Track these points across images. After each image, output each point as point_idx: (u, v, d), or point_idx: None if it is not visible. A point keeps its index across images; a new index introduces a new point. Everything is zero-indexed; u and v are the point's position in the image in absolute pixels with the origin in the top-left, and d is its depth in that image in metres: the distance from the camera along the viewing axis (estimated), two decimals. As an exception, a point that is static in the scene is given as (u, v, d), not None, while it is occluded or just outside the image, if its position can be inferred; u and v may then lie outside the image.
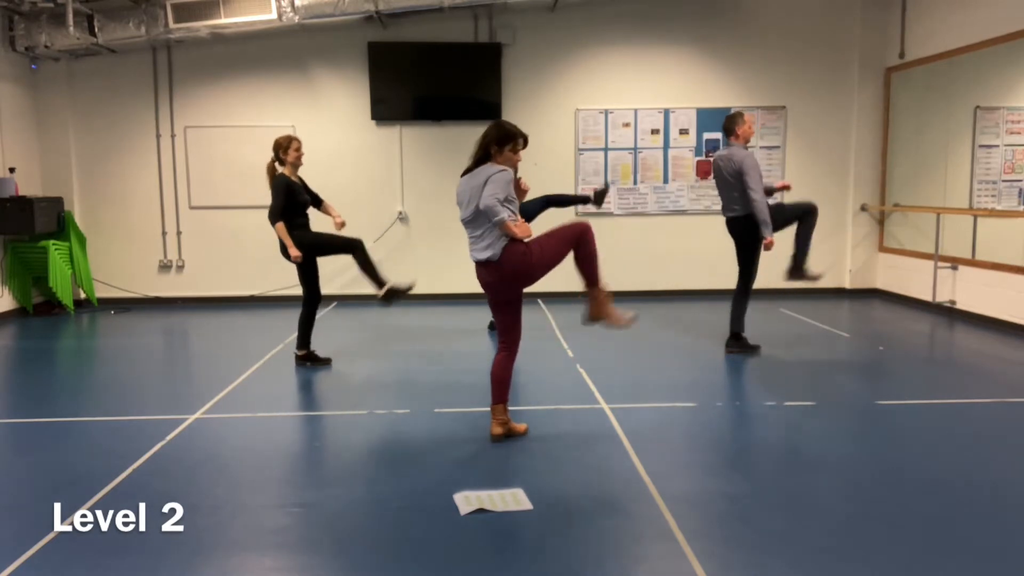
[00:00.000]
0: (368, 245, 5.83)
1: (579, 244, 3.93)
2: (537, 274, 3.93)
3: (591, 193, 6.83)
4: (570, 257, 4.00)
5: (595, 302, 4.06)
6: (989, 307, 7.19)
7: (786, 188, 6.30)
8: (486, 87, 8.73)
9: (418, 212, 9.01)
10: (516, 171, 3.99)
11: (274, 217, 5.45)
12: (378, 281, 5.64)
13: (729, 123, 5.92)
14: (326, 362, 5.83)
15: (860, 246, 9.14)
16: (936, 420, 4.52)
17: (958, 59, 7.62)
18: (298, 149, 5.59)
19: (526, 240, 3.87)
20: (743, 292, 6.02)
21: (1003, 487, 3.52)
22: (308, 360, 5.81)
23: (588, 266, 3.99)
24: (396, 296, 5.66)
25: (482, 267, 3.96)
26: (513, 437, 4.15)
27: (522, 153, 4.01)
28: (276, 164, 5.59)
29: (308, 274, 5.68)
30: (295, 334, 7.13)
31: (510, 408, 4.24)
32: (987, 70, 7.37)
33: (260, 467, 3.87)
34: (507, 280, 3.94)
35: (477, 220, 3.88)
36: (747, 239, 5.86)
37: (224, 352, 6.67)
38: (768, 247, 5.75)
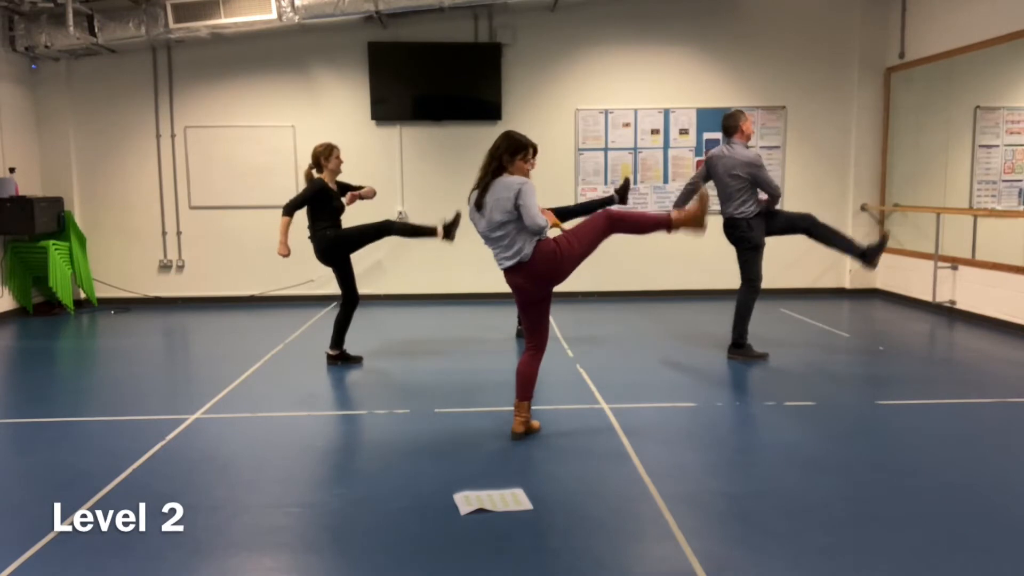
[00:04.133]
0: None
1: (614, 229, 3.97)
2: (567, 269, 3.96)
3: (612, 193, 6.77)
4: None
5: (686, 222, 4.05)
6: (989, 307, 7.19)
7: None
8: (486, 87, 8.73)
9: (418, 212, 8.99)
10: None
11: (288, 209, 5.45)
12: (428, 232, 5.70)
13: (732, 121, 5.77)
14: (358, 360, 5.89)
15: (860, 246, 9.14)
16: (936, 420, 4.52)
17: (958, 59, 7.62)
18: (339, 157, 5.63)
19: (554, 238, 3.94)
20: (748, 298, 5.77)
21: (1003, 487, 3.52)
22: (340, 360, 5.84)
23: (646, 227, 4.08)
24: (452, 229, 5.68)
25: (512, 272, 3.99)
26: (528, 435, 4.16)
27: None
28: (313, 172, 5.62)
29: (345, 275, 5.72)
30: (295, 333, 7.13)
31: (513, 408, 4.23)
32: (987, 70, 7.37)
33: (260, 467, 3.87)
34: (539, 279, 3.96)
35: (503, 228, 3.90)
36: (745, 241, 5.73)
37: (224, 352, 6.67)
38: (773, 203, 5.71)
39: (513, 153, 3.94)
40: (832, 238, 5.70)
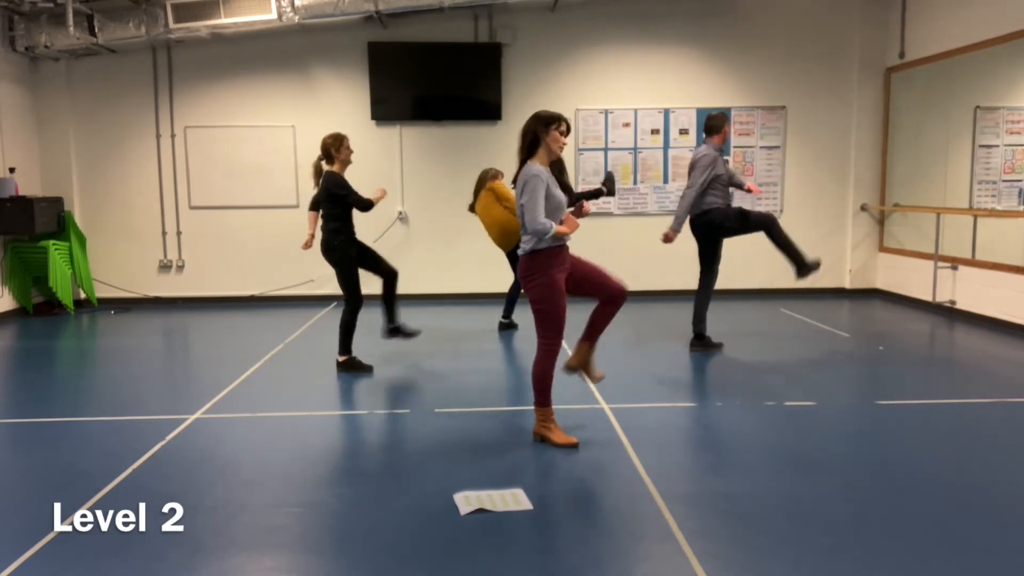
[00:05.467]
0: (368, 245, 5.81)
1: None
2: (531, 293, 3.93)
3: (600, 187, 6.81)
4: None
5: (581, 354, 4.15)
6: (989, 307, 7.19)
7: (751, 191, 6.26)
8: (486, 87, 8.73)
9: (418, 212, 9.02)
10: (560, 155, 4.03)
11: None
12: (390, 317, 5.82)
13: (717, 121, 5.96)
14: (368, 369, 5.66)
15: (860, 246, 9.15)
16: (936, 420, 4.52)
17: (958, 59, 7.62)
18: (349, 147, 5.52)
19: (554, 276, 3.90)
20: (705, 290, 6.19)
21: (1003, 487, 3.53)
22: (350, 367, 5.66)
23: (601, 326, 4.12)
24: (402, 333, 5.86)
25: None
26: (528, 438, 4.15)
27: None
28: (323, 163, 5.52)
29: (350, 279, 5.56)
30: (295, 333, 7.14)
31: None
32: (987, 70, 7.37)
33: (260, 467, 3.87)
34: (521, 276, 3.98)
35: (521, 219, 3.92)
36: (707, 236, 6.05)
37: (224, 352, 6.67)
38: (666, 240, 6.03)
39: (547, 123, 3.90)
40: (785, 242, 5.87)
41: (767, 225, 5.87)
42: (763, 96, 8.93)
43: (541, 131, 3.90)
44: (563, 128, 3.94)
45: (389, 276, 5.69)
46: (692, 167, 6.00)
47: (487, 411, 4.68)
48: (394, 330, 5.84)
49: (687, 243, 9.11)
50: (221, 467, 3.86)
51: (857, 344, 6.73)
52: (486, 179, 6.76)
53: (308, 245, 6.01)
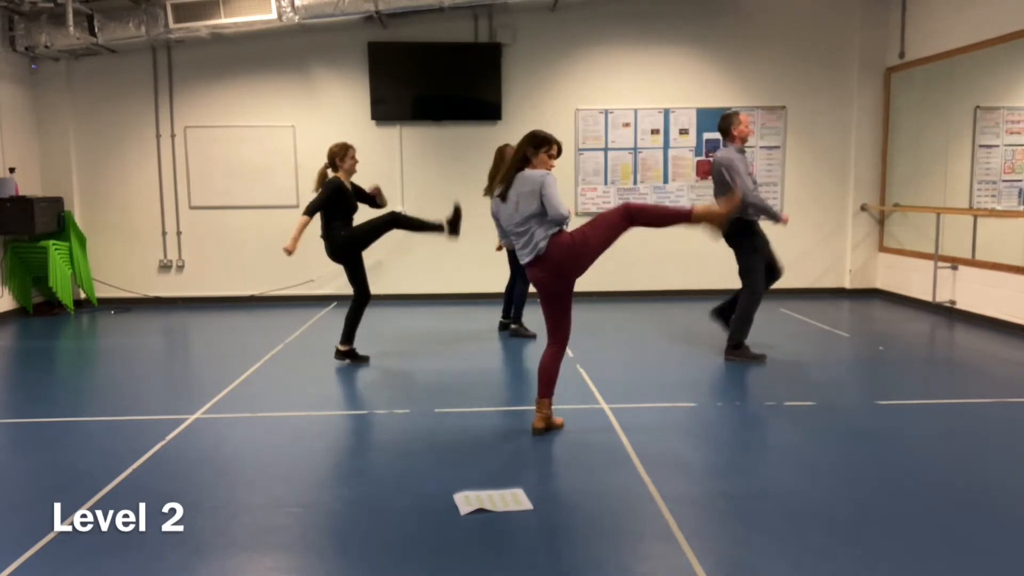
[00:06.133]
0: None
1: (633, 222, 4.05)
2: (584, 262, 4.03)
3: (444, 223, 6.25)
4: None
5: (707, 218, 4.08)
6: (989, 307, 7.19)
7: (783, 222, 5.82)
8: (486, 87, 8.73)
9: (418, 212, 8.91)
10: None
11: (309, 210, 5.53)
12: (433, 227, 5.91)
13: (724, 123, 5.69)
14: (364, 360, 5.93)
15: (860, 246, 9.15)
16: (936, 420, 4.52)
17: (958, 59, 7.62)
18: (354, 157, 5.76)
19: (570, 231, 4.03)
20: (751, 300, 5.69)
21: (1003, 487, 3.52)
22: (348, 357, 5.89)
23: (666, 220, 4.20)
24: (455, 224, 5.89)
25: (532, 266, 4.06)
26: (550, 431, 4.18)
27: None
28: (328, 171, 5.74)
29: (356, 273, 5.82)
30: (295, 333, 7.14)
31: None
32: (987, 70, 7.37)
33: (260, 467, 3.87)
34: (556, 271, 4.01)
35: (526, 223, 3.99)
36: (738, 243, 5.67)
37: (224, 352, 6.67)
38: (785, 222, 5.70)
39: (537, 146, 4.05)
40: (739, 315, 5.71)
41: (757, 291, 5.63)
42: (763, 96, 8.93)
43: (531, 152, 4.05)
44: (553, 151, 4.09)
45: (395, 220, 5.82)
46: (726, 172, 5.53)
47: (487, 411, 4.68)
48: (451, 226, 5.87)
49: (686, 242, 9.10)
50: (221, 467, 3.86)
51: (857, 344, 6.73)
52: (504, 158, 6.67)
53: (290, 250, 5.68)
